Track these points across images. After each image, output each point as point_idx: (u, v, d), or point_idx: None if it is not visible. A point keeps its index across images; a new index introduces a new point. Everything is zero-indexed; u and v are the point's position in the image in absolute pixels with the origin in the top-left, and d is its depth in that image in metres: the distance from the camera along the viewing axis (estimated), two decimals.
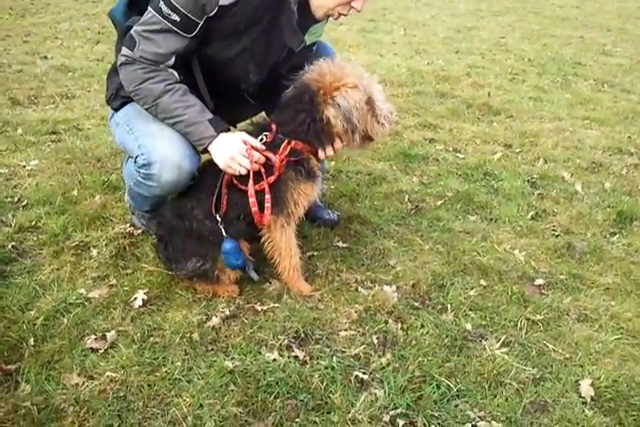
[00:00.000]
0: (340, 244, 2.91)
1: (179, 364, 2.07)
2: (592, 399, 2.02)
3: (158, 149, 2.26)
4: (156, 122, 2.31)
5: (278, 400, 1.93)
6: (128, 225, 2.86)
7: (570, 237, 3.09)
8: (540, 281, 2.70)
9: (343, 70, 2.31)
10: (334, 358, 2.13)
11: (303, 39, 2.34)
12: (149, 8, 2.16)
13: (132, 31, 2.19)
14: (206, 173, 2.39)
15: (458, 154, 4.17)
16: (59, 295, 2.37)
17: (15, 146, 3.88)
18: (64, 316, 2.27)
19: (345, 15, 2.32)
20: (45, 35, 7.59)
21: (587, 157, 4.20)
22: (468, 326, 2.35)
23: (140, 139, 2.33)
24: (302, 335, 2.25)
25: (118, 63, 2.25)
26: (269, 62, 2.41)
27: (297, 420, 1.87)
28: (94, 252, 2.68)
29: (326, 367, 2.08)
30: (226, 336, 2.24)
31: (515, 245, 2.99)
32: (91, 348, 2.13)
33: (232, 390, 1.96)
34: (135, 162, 2.33)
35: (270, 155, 2.29)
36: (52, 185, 3.27)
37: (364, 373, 2.08)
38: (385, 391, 2.00)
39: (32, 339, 2.13)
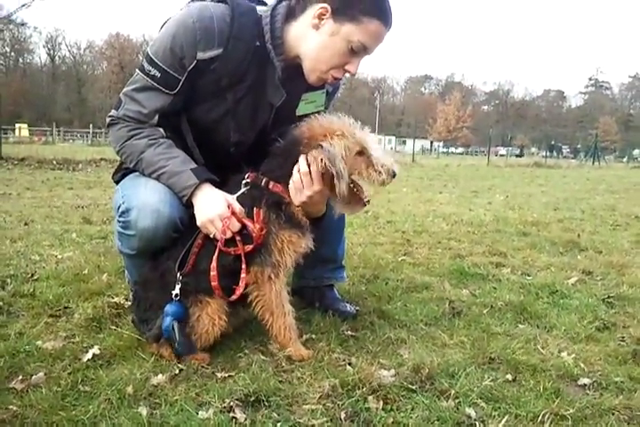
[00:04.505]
0: (348, 332, 2.51)
1: (93, 410, 1.74)
2: None
3: (138, 195, 2.19)
4: (144, 177, 2.27)
5: None
6: (122, 297, 2.70)
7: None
8: (585, 380, 2.11)
9: (333, 122, 2.21)
10: (279, 423, 1.70)
11: (283, 94, 2.28)
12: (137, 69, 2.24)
13: (120, 93, 2.26)
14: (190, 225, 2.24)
15: (526, 276, 3.71)
16: (12, 345, 2.18)
17: (60, 243, 4.00)
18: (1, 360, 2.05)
19: (339, 79, 2.28)
20: None
21: None
22: (472, 413, 1.82)
23: (125, 191, 2.28)
24: (251, 400, 1.84)
25: (106, 125, 2.29)
26: (257, 124, 2.36)
27: None
28: (75, 316, 2.50)
29: None
30: (166, 394, 1.88)
31: (564, 349, 2.43)
32: (13, 388, 1.86)
33: None
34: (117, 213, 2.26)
35: (249, 223, 2.14)
36: (70, 267, 3.24)
37: None
38: None
39: None
